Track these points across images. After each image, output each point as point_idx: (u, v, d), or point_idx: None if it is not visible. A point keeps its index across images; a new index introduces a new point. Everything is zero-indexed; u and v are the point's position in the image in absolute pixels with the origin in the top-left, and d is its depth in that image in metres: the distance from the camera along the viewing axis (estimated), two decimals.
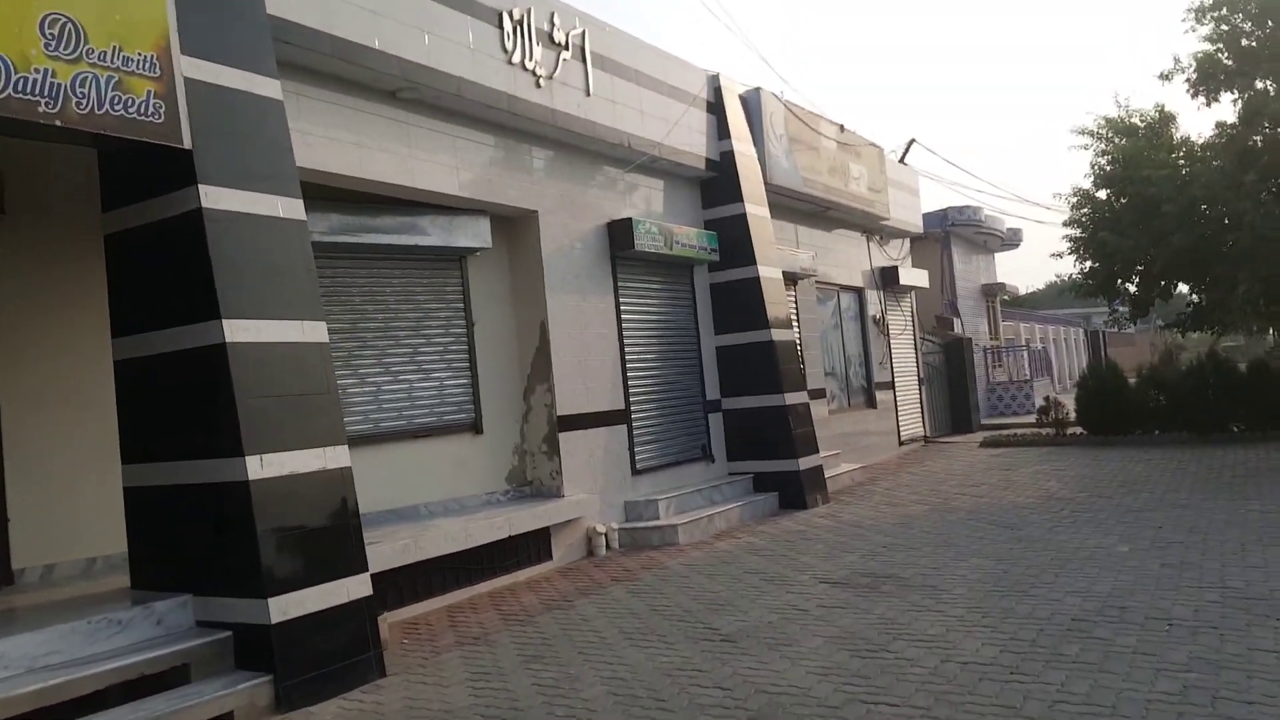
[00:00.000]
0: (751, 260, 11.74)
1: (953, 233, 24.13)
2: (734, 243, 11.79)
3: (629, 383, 10.25)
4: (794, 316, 13.99)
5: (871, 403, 16.74)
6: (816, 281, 14.93)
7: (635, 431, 10.26)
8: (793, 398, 11.77)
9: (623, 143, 10.06)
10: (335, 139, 7.20)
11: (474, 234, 8.82)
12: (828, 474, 12.93)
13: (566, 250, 9.54)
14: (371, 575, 6.74)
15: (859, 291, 16.87)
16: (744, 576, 7.83)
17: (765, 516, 11.01)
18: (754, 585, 7.49)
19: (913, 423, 18.48)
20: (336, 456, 5.78)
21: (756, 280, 11.72)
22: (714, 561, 8.58)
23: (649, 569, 8.43)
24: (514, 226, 9.40)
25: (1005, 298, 29.72)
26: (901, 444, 17.60)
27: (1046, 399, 17.88)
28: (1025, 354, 28.51)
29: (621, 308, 10.30)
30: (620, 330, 10.21)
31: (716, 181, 11.92)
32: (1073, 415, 17.23)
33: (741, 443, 11.84)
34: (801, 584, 7.41)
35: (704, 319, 11.80)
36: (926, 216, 21.20)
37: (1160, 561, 7.27)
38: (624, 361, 10.22)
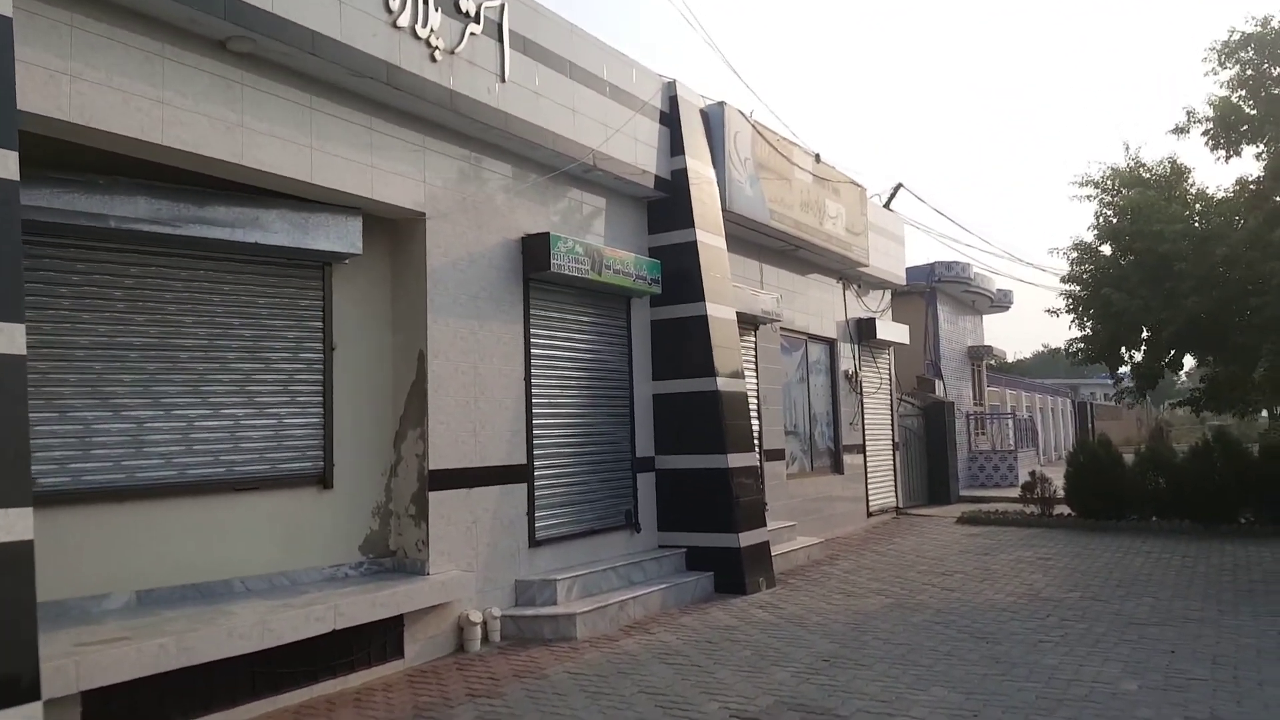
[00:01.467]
0: (700, 296, 10.02)
1: (939, 289, 22.56)
2: (681, 274, 10.09)
3: (534, 432, 8.44)
4: (753, 365, 12.28)
5: (838, 467, 14.96)
6: (781, 328, 13.23)
7: (538, 492, 8.42)
8: (738, 459, 9.98)
9: (545, 144, 8.37)
10: (124, 91, 5.44)
11: (338, 236, 7.06)
12: (780, 549, 11.12)
13: (462, 265, 7.78)
14: (112, 686, 4.90)
15: (830, 343, 15.18)
16: (637, 699, 5.96)
17: (694, 602, 9.14)
18: (643, 716, 5.62)
19: (884, 491, 16.70)
20: (11, 525, 3.93)
21: (704, 319, 9.99)
22: (608, 670, 6.69)
23: (522, 678, 6.54)
24: (397, 232, 7.65)
25: (991, 362, 28.15)
26: (870, 515, 15.80)
27: (1032, 474, 16.17)
28: (1010, 422, 26.84)
29: (532, 341, 8.52)
30: (528, 368, 8.43)
31: (665, 204, 10.25)
32: (1060, 493, 15.51)
33: (675, 510, 10.01)
34: (705, 718, 5.55)
35: (639, 361, 10.04)
36: (911, 270, 19.65)
37: (1183, 713, 5.48)
38: (530, 406, 8.41)
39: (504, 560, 7.92)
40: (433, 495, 7.27)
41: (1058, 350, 18.88)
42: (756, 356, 12.41)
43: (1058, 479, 15.86)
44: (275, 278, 6.99)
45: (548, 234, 8.32)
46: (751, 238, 12.24)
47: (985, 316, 27.73)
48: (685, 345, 10.09)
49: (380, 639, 6.70)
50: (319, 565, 7.05)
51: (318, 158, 6.61)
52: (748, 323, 12.08)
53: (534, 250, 8.37)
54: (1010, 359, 48.35)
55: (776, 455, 12.69)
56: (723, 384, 10.00)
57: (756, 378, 12.35)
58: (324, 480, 7.11)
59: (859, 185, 14.92)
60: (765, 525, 10.26)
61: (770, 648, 7.25)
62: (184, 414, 6.43)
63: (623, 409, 9.77)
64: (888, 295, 17.61)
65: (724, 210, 10.81)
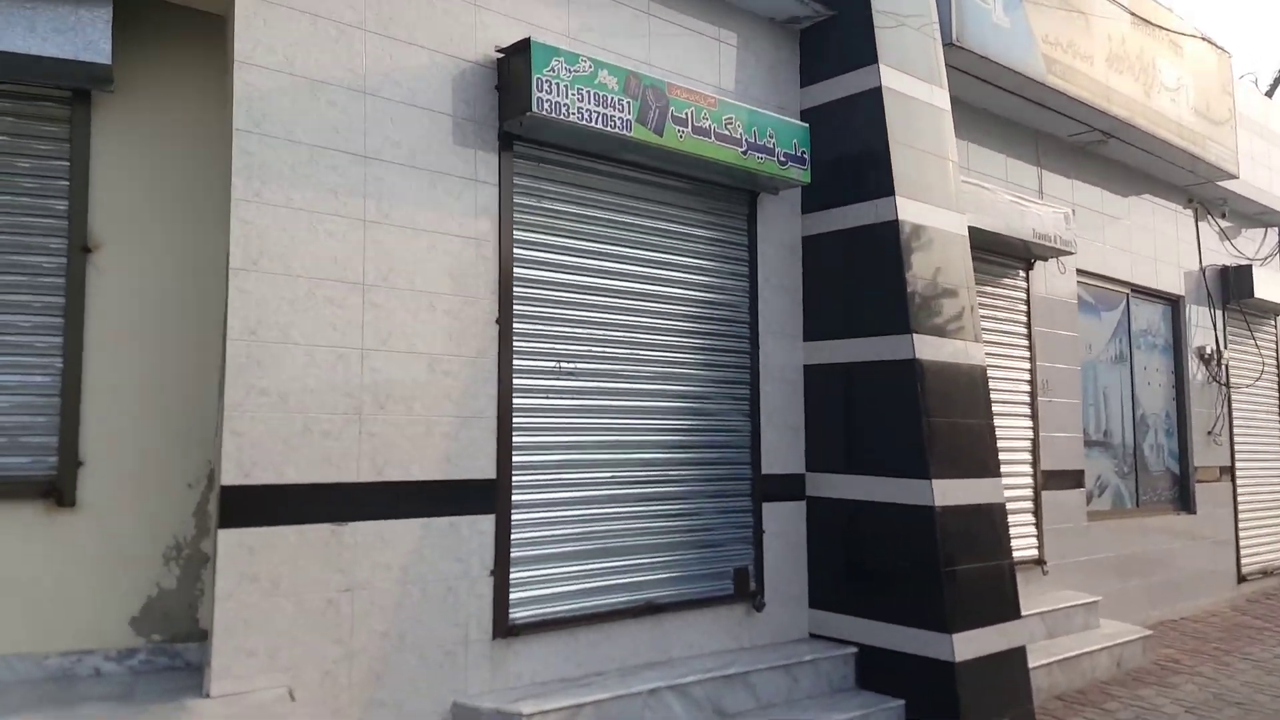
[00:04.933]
0: (886, 187, 5.52)
1: None
2: (853, 152, 5.67)
3: (517, 420, 4.51)
4: (1022, 327, 7.46)
5: (1185, 502, 9.35)
6: (1081, 271, 8.14)
7: (521, 533, 4.47)
8: (956, 490, 5.33)
9: None
10: None
11: (59, 28, 3.67)
12: (1064, 649, 6.38)
13: (334, 96, 4.06)
14: None
15: (1173, 303, 9.60)
16: None
17: None
18: None
19: (1267, 542, 10.57)
20: None
21: (893, 228, 5.47)
22: None
23: None
24: (212, 34, 4.15)
25: None
26: (1243, 579, 9.88)
27: None
28: None
29: (519, 256, 4.60)
30: (507, 302, 4.52)
31: (828, 30, 5.88)
32: None
33: (840, 574, 5.58)
34: None
35: (775, 305, 5.72)
36: None
37: None
38: (507, 372, 4.49)
39: (426, 669, 4.09)
40: (226, 536, 3.63)
41: None
42: (1029, 313, 7.51)
43: None
44: None
45: (528, 42, 4.36)
46: (1012, 109, 7.35)
47: None
48: (858, 276, 5.64)
49: None
50: (39, 651, 3.71)
51: None
52: (1011, 254, 7.28)
53: (512, 79, 4.46)
54: None
55: (1067, 480, 7.67)
56: (927, 347, 5.42)
57: (1030, 349, 7.47)
58: (58, 493, 3.76)
59: (1219, 48, 9.23)
60: (1016, 616, 5.48)
61: None
62: None
63: (736, 388, 5.52)
64: (1273, 235, 11.37)
65: (947, 45, 6.16)
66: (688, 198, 5.36)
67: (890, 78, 5.64)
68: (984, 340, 6.63)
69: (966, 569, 5.24)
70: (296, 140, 3.90)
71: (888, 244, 5.50)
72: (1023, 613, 5.76)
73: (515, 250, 4.56)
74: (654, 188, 5.19)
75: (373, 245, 4.08)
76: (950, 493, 5.29)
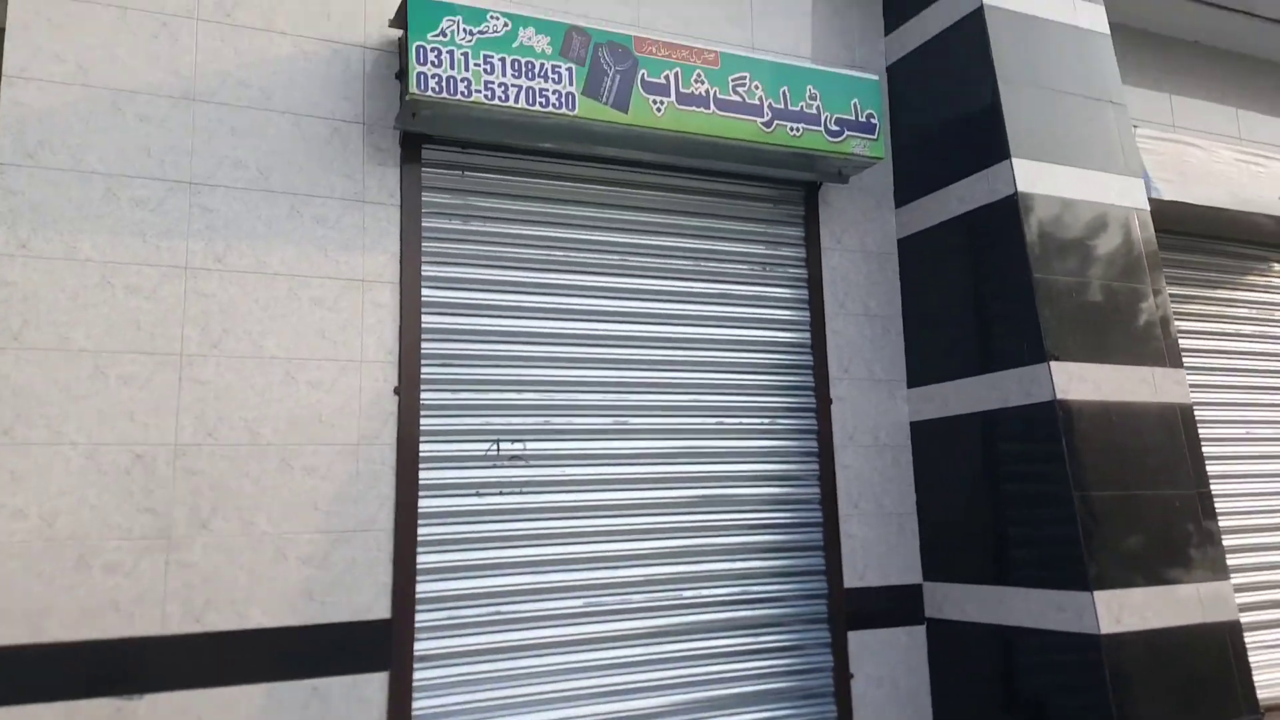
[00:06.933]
0: (1000, 148, 3.73)
1: None
2: (954, 109, 3.95)
3: (421, 526, 3.19)
4: (1260, 341, 5.19)
5: None
6: None
7: (425, 695, 3.09)
8: (1145, 605, 3.35)
9: None
10: None
11: None
12: None
13: (146, 110, 3.02)
14: None
15: None
16: None
17: None
18: None
19: None
20: None
21: (1012, 207, 3.67)
22: None
23: None
24: None
25: None
26: None
27: None
28: None
29: (427, 296, 3.30)
30: (413, 364, 3.25)
31: None
32: None
33: None
34: None
35: (853, 338, 4.03)
36: None
37: None
38: (408, 459, 3.18)
39: None
40: None
41: None
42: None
43: None
44: None
45: (405, 2, 3.14)
46: (1240, 36, 5.17)
47: None
48: (978, 284, 3.87)
49: None
50: None
51: None
52: (1254, 239, 5.07)
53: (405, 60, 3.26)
54: None
55: None
56: (1080, 383, 3.53)
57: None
58: None
59: None
60: None
61: None
62: None
63: (796, 464, 3.86)
64: None
65: None
66: (700, 200, 3.87)
67: None
68: (1217, 366, 4.60)
69: None
70: (88, 170, 2.92)
71: (1007, 229, 3.70)
72: None
73: (425, 292, 3.31)
74: (646, 190, 3.77)
75: (199, 301, 2.99)
76: (1131, 609, 3.34)
